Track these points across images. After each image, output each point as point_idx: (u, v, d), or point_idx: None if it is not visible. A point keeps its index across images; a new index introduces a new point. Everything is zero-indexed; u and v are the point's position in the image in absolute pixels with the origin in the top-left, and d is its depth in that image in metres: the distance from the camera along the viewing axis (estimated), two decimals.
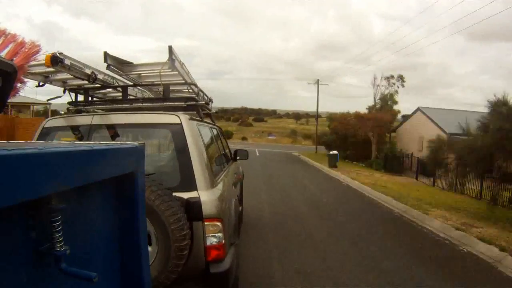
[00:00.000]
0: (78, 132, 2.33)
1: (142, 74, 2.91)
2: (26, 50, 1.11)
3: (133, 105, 2.68)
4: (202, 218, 1.88)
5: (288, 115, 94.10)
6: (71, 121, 2.45)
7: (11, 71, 0.91)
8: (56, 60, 1.87)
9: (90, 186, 0.76)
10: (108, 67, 2.52)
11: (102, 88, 2.74)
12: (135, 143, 0.95)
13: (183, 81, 2.79)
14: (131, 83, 2.94)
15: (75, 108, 2.70)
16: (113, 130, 2.27)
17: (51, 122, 2.45)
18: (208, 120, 3.50)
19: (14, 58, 1.06)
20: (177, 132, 2.14)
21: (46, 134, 2.38)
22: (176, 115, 2.22)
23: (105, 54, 2.46)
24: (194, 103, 2.71)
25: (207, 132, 2.80)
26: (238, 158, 4.41)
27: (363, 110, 24.64)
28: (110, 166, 0.83)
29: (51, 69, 2.08)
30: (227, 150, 4.06)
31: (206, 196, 1.94)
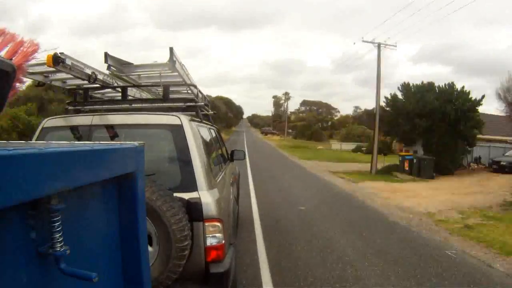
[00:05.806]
0: (77, 132, 2.32)
1: (142, 75, 2.91)
2: (25, 49, 1.10)
3: (133, 105, 2.67)
4: (203, 218, 1.89)
5: None
6: (71, 121, 2.43)
7: (10, 71, 0.91)
8: (57, 60, 1.85)
9: (90, 186, 0.76)
10: (108, 68, 2.51)
11: (102, 88, 2.74)
12: (135, 143, 0.95)
13: (183, 82, 2.80)
14: (130, 84, 2.93)
15: (74, 108, 2.69)
16: (113, 131, 2.26)
17: (50, 122, 2.41)
18: (207, 121, 3.51)
19: (13, 58, 1.06)
20: (178, 133, 2.14)
21: (45, 134, 2.36)
22: (176, 116, 2.22)
23: (106, 54, 2.44)
24: (194, 104, 2.73)
25: (206, 132, 2.82)
26: (234, 158, 4.44)
27: None
28: (110, 166, 0.83)
29: (51, 69, 2.07)
30: (224, 151, 4.08)
31: (207, 197, 1.96)
